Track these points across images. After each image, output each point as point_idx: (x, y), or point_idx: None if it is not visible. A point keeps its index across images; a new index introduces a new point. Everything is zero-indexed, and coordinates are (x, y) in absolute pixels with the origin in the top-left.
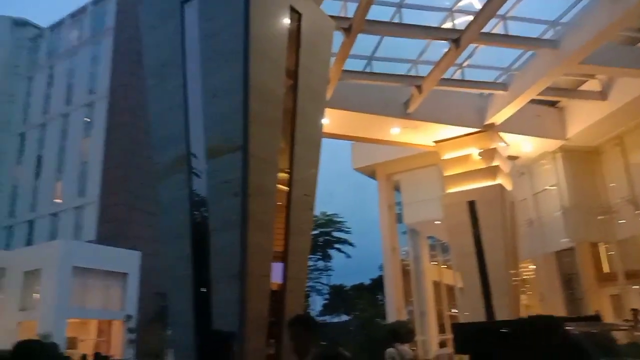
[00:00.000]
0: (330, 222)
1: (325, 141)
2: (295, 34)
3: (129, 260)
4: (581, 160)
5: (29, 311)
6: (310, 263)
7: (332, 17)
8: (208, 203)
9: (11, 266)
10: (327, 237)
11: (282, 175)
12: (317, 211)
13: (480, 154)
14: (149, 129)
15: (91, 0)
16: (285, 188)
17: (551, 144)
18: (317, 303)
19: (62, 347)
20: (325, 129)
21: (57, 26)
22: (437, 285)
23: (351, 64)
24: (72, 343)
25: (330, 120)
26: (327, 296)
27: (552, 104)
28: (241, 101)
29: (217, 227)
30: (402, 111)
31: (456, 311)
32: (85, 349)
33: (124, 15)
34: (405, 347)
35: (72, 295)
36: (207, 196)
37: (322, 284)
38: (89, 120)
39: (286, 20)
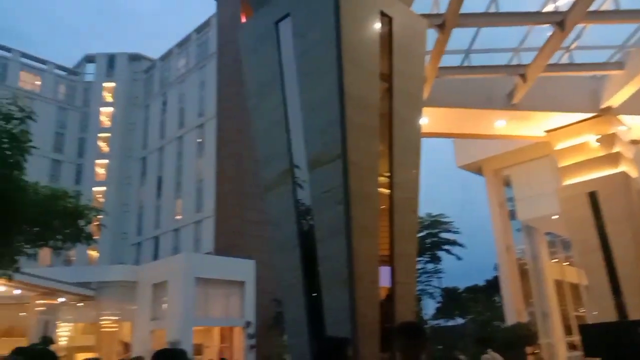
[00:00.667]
0: (436, 223)
1: (425, 141)
2: (387, 38)
3: (245, 270)
4: None
5: (159, 320)
6: (419, 266)
7: (423, 15)
8: (313, 212)
9: (142, 279)
10: (434, 238)
11: (383, 180)
12: (422, 212)
13: (598, 141)
14: (254, 145)
15: (195, 29)
16: (387, 191)
17: None
18: (429, 307)
19: (190, 354)
20: (425, 129)
21: (166, 56)
22: (559, 284)
23: (448, 60)
24: (198, 349)
25: (429, 119)
26: (439, 299)
27: None
28: (338, 112)
29: (323, 235)
30: (507, 102)
31: (583, 311)
32: (211, 355)
33: (225, 40)
34: (496, 355)
35: (196, 304)
36: (311, 206)
37: (434, 287)
38: (200, 140)
39: (377, 26)
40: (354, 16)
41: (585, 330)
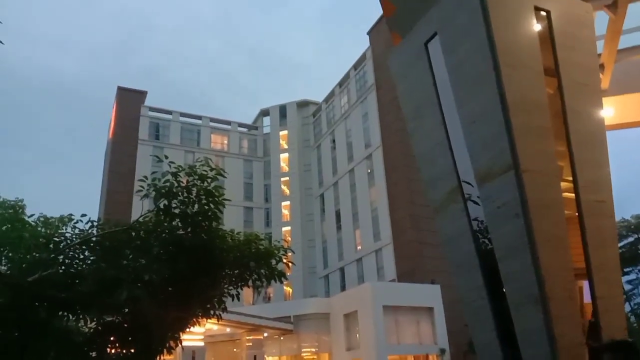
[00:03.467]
0: None
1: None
2: (546, 32)
3: (431, 295)
4: None
5: (354, 350)
6: (632, 277)
7: None
8: (490, 229)
9: (333, 310)
10: None
11: (566, 185)
12: (626, 214)
13: None
14: (418, 168)
15: (352, 65)
16: (572, 195)
17: None
18: None
19: None
20: (612, 121)
21: (329, 97)
22: None
23: (627, 41)
24: None
25: (615, 109)
26: None
27: None
28: (502, 120)
29: (503, 252)
30: None
31: None
32: None
33: (382, 70)
34: None
35: (387, 332)
36: (487, 223)
37: None
38: (370, 171)
39: (533, 24)
40: (505, 19)
41: None
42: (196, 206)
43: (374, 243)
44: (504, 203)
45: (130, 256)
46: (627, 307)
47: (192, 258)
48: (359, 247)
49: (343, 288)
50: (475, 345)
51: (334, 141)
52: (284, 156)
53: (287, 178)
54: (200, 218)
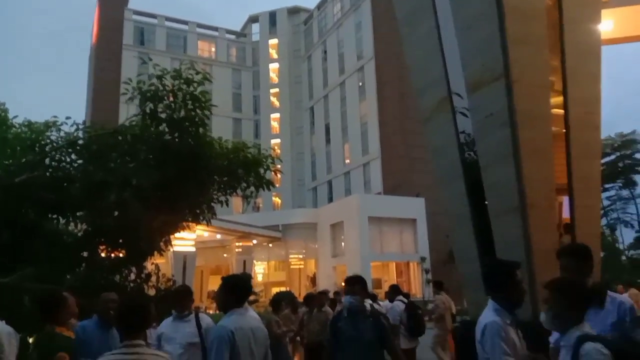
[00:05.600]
0: (629, 143)
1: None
2: None
3: (415, 207)
4: None
5: (339, 257)
6: (611, 193)
7: None
8: (476, 139)
9: (321, 221)
10: (628, 160)
11: (556, 99)
12: (612, 132)
13: None
14: (410, 76)
15: None
16: (561, 111)
17: None
18: (627, 236)
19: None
20: (610, 34)
21: (322, 3)
22: None
23: None
24: (377, 283)
25: (615, 22)
26: (638, 228)
27: None
28: (497, 26)
29: (488, 161)
30: None
31: None
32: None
33: None
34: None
35: (371, 241)
36: (474, 132)
37: (630, 214)
38: (361, 84)
39: None
40: None
41: None
42: (182, 112)
43: (362, 157)
44: (492, 112)
45: (118, 160)
46: (604, 221)
47: (180, 163)
48: (347, 161)
49: (330, 200)
50: (454, 250)
51: (325, 52)
52: (274, 66)
53: (277, 90)
54: (187, 124)
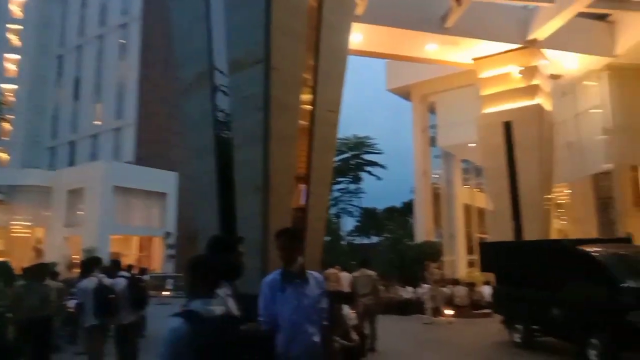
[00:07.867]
0: (361, 145)
1: (361, 61)
2: None
3: (166, 181)
4: (630, 79)
5: (74, 227)
6: (342, 186)
7: None
8: (232, 119)
9: (57, 185)
10: (358, 159)
11: (307, 96)
12: (350, 134)
13: (520, 72)
14: (173, 44)
15: None
16: (309, 107)
17: (598, 62)
18: (348, 224)
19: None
20: (359, 46)
21: None
22: (468, 208)
23: None
24: (116, 257)
25: (363, 36)
26: (358, 218)
27: (602, 17)
28: (263, 10)
29: (241, 141)
30: (440, 26)
31: (486, 235)
32: (129, 262)
33: None
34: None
35: (116, 213)
36: (231, 111)
37: (353, 206)
38: (124, 42)
39: None
40: None
41: (483, 247)
42: None
43: (115, 120)
44: (249, 95)
45: None
46: (335, 210)
47: None
48: (97, 123)
49: (72, 164)
50: (197, 226)
51: None
52: None
53: (20, 27)
54: None
